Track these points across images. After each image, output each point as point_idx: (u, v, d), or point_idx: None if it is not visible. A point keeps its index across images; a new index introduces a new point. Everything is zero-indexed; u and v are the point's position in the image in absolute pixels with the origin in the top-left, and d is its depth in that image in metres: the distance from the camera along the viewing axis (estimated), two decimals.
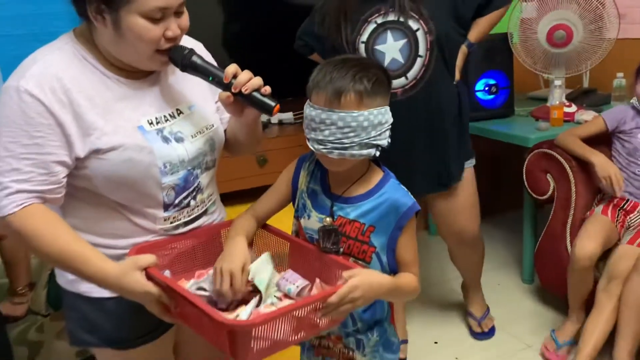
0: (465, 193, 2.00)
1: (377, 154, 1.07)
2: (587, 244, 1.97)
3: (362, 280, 0.98)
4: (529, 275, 2.61)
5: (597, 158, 2.05)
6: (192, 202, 1.16)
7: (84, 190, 1.08)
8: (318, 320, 0.98)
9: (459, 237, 2.11)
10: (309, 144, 1.08)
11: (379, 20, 1.77)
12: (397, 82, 1.77)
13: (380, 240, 1.10)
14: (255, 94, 1.07)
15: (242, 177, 2.38)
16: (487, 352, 2.18)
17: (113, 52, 1.06)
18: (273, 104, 1.07)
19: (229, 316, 1.00)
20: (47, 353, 1.70)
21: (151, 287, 1.00)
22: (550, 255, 2.24)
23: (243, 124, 1.18)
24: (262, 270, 1.07)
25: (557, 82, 2.41)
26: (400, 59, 1.77)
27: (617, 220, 2.06)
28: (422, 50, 1.79)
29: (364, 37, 1.78)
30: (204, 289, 1.06)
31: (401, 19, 1.76)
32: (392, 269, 1.12)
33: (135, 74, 1.10)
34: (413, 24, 1.77)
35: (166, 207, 1.12)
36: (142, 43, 1.02)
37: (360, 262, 1.11)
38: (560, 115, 2.40)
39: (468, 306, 2.33)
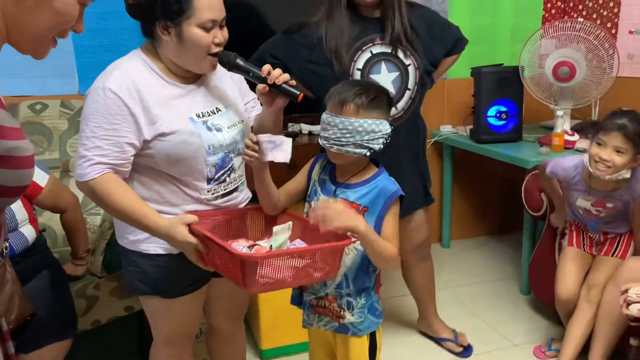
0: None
1: (368, 154, 1.37)
2: (567, 285, 2.17)
3: (345, 205, 1.32)
4: (526, 286, 2.82)
5: (556, 212, 2.36)
6: (227, 179, 1.49)
7: (147, 167, 1.40)
8: (313, 272, 1.28)
9: (422, 248, 2.32)
10: (319, 140, 1.41)
11: (374, 51, 1.90)
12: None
13: (372, 218, 1.40)
14: (284, 85, 1.39)
15: (272, 179, 2.72)
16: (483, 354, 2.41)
17: (175, 59, 1.38)
18: (298, 92, 1.39)
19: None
20: (101, 306, 2.02)
21: (191, 238, 1.30)
22: (542, 267, 2.47)
23: (272, 112, 1.47)
24: (280, 233, 1.39)
25: (560, 113, 2.66)
26: (392, 90, 1.90)
27: (584, 243, 2.26)
28: (411, 83, 1.96)
29: (360, 65, 1.90)
30: None
31: (395, 53, 1.91)
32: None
33: (187, 80, 1.44)
34: (405, 59, 1.93)
35: (209, 180, 1.44)
36: (199, 48, 1.36)
37: (355, 235, 1.41)
38: (560, 142, 2.65)
39: (437, 334, 2.41)
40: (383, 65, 1.93)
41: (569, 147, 2.70)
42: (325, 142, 1.39)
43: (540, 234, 2.58)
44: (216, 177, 1.46)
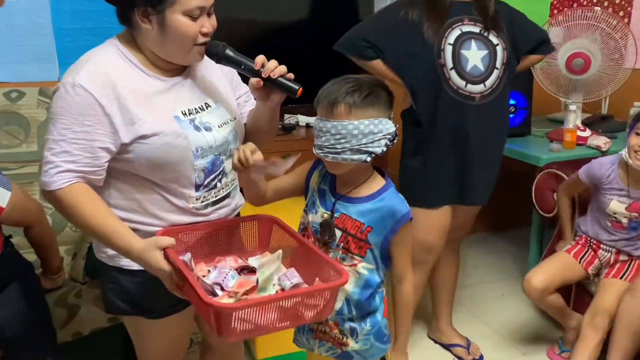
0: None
1: (369, 159, 1.21)
2: (533, 277, 2.07)
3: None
4: None
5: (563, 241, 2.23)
6: (218, 184, 1.34)
7: (125, 172, 1.24)
8: (304, 312, 1.11)
9: (458, 241, 2.26)
10: (314, 149, 1.25)
11: (464, 29, 1.89)
12: (476, 88, 1.89)
13: (376, 239, 1.25)
14: (281, 79, 1.24)
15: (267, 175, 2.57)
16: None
17: (156, 50, 1.22)
18: (297, 86, 1.23)
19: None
20: (83, 316, 1.88)
21: (165, 265, 1.13)
22: None
23: (267, 108, 1.33)
24: (268, 264, 1.23)
25: (572, 107, 2.52)
26: (481, 67, 1.89)
27: (582, 258, 2.13)
28: (499, 63, 1.92)
29: (451, 40, 1.88)
30: (220, 286, 1.19)
31: (484, 33, 1.90)
32: (384, 263, 1.28)
33: (170, 72, 1.27)
34: (493, 39, 1.91)
35: (197, 187, 1.28)
36: (184, 38, 1.20)
37: (356, 256, 1.27)
38: (573, 138, 2.51)
39: (448, 341, 2.34)
40: (473, 43, 1.90)
41: (580, 143, 2.56)
42: (319, 151, 1.23)
43: (551, 236, 2.45)
44: (205, 183, 1.31)
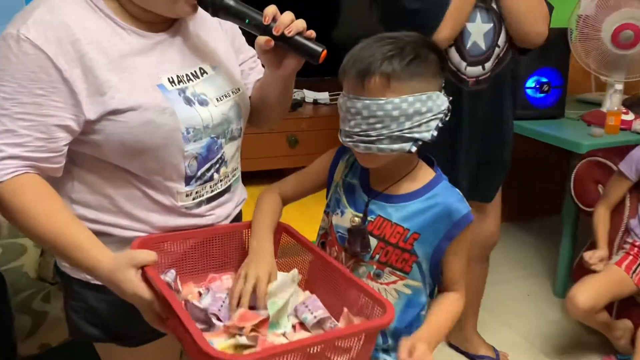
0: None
1: (414, 149, 0.92)
2: (578, 296, 1.80)
3: (427, 347, 0.87)
4: (562, 288, 2.45)
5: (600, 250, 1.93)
6: (216, 176, 1.04)
7: (93, 159, 0.96)
8: (332, 358, 0.82)
9: (488, 246, 2.01)
10: (339, 137, 0.96)
11: None
12: (473, 70, 1.60)
13: (425, 250, 0.96)
14: (299, 37, 0.93)
15: (270, 157, 2.28)
16: None
17: None
18: (320, 48, 0.93)
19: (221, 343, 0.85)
20: (52, 324, 1.61)
21: (143, 290, 0.86)
22: (592, 272, 2.08)
23: (279, 77, 1.04)
24: (281, 290, 0.93)
25: (618, 87, 2.23)
26: (482, 45, 1.59)
27: (634, 272, 1.87)
28: (501, 40, 1.61)
29: None
30: (216, 316, 0.91)
31: (491, 1, 1.57)
32: (434, 280, 1.00)
33: (154, 26, 0.97)
34: (499, 8, 1.59)
35: (188, 179, 0.99)
36: None
37: (397, 271, 0.98)
38: (617, 122, 2.22)
39: (474, 350, 2.09)
40: (478, 14, 1.58)
41: (624, 127, 2.28)
42: (348, 140, 0.93)
43: (584, 228, 2.17)
44: (199, 174, 1.01)
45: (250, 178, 1.24)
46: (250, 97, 1.13)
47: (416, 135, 0.90)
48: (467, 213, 0.95)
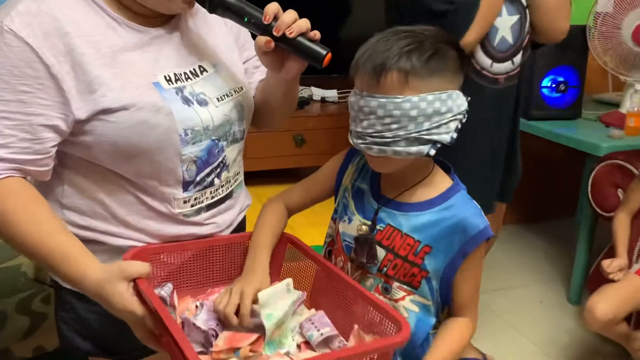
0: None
1: (432, 152, 0.84)
2: (597, 307, 1.70)
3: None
4: (577, 295, 2.37)
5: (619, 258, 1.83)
6: (216, 181, 0.97)
7: (85, 163, 0.89)
8: None
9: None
10: (350, 138, 0.89)
11: None
12: (502, 67, 1.51)
13: (436, 265, 0.89)
14: (301, 39, 0.87)
15: (275, 156, 2.21)
16: None
17: None
18: (324, 52, 0.86)
19: None
20: (50, 327, 1.57)
21: (134, 305, 0.80)
22: (610, 281, 2.00)
23: (281, 80, 0.98)
24: (275, 301, 0.84)
25: (638, 86, 2.14)
26: (510, 39, 1.50)
27: None
28: (525, 31, 1.53)
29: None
30: (214, 332, 0.84)
31: None
32: (444, 300, 0.92)
33: (150, 20, 0.91)
34: (524, 0, 1.51)
35: (186, 185, 0.93)
36: None
37: (405, 286, 0.91)
38: (637, 124, 2.14)
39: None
40: (504, 7, 1.48)
41: None
42: (359, 141, 0.86)
43: (601, 232, 2.09)
44: (198, 179, 0.94)
45: (255, 178, 1.19)
46: (253, 97, 1.07)
47: (435, 137, 0.83)
48: (485, 228, 0.87)
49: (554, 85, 2.35)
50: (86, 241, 0.88)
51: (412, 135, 0.82)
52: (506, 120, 1.60)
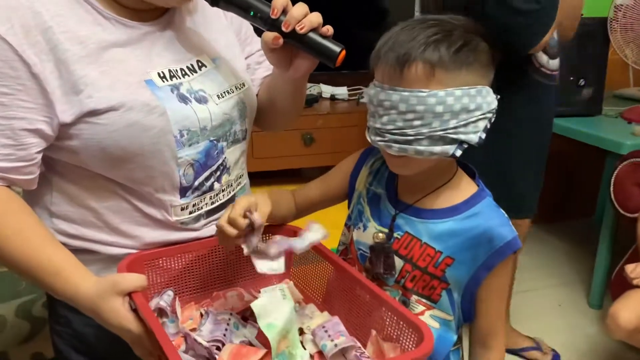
0: None
1: (458, 152, 0.76)
2: (621, 314, 1.60)
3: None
4: (598, 298, 2.28)
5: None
6: (216, 185, 0.90)
7: (74, 168, 0.83)
8: None
9: None
10: (367, 135, 0.81)
11: None
12: (555, 63, 1.50)
13: (458, 277, 0.81)
14: (313, 34, 0.79)
15: (283, 156, 2.14)
16: None
17: None
18: (338, 49, 0.79)
19: None
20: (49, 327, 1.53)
21: (130, 322, 0.74)
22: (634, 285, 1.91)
23: (288, 79, 0.91)
24: (271, 310, 0.76)
25: None
26: (555, 35, 1.47)
27: None
28: None
29: None
30: (221, 343, 0.78)
31: None
32: (466, 315, 0.84)
33: (141, 14, 0.84)
34: None
35: (183, 191, 0.86)
36: None
37: (424, 299, 0.83)
38: None
39: (514, 345, 1.99)
40: None
41: None
42: (378, 139, 0.78)
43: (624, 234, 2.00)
44: (196, 184, 0.87)
45: (262, 179, 1.12)
46: (257, 95, 1.00)
47: (462, 137, 0.75)
48: (513, 239, 0.79)
49: (573, 81, 2.26)
50: (77, 251, 0.83)
51: (437, 133, 0.74)
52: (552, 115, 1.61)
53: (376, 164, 0.91)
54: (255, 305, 0.75)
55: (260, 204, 0.78)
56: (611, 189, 2.01)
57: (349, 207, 0.94)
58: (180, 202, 0.86)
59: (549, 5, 1.31)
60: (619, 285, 2.00)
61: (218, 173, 0.90)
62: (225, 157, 0.90)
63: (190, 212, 0.88)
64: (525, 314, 2.26)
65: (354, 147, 0.96)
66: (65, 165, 0.83)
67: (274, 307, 0.76)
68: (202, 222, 0.91)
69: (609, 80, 2.69)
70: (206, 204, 0.90)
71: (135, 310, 0.75)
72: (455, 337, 0.85)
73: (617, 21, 2.23)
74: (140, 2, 0.82)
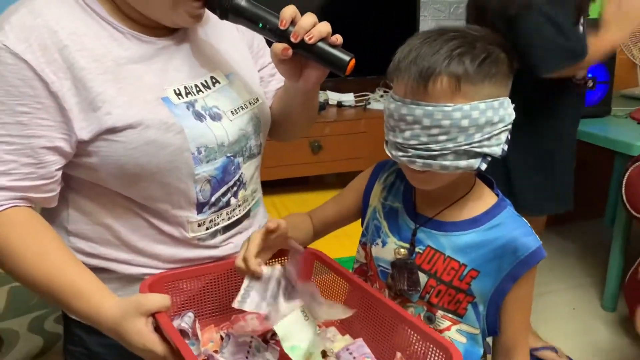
0: None
1: (483, 166, 0.75)
2: None
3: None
4: (612, 301, 2.26)
5: None
6: (233, 201, 0.90)
7: (90, 185, 0.83)
8: None
9: None
10: (386, 149, 0.80)
11: None
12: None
13: (483, 290, 0.80)
14: (322, 44, 0.79)
15: (291, 164, 2.12)
16: None
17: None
18: (347, 58, 0.79)
19: None
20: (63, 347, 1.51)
21: (154, 343, 0.73)
22: None
23: (300, 90, 0.90)
24: (295, 332, 0.75)
25: None
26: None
27: None
28: None
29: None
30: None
31: None
32: (491, 327, 0.82)
33: (156, 31, 0.84)
34: None
35: (200, 207, 0.86)
36: None
37: (450, 314, 0.82)
38: None
39: (533, 344, 1.99)
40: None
41: None
42: (401, 154, 0.76)
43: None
44: (213, 199, 0.87)
45: (270, 187, 1.11)
46: (270, 107, 0.99)
47: (486, 150, 0.74)
48: (537, 249, 0.78)
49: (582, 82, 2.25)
50: (94, 269, 0.82)
51: (462, 147, 0.73)
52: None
53: (390, 178, 0.90)
54: (278, 328, 0.74)
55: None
56: (623, 190, 1.99)
57: (362, 224, 0.93)
58: (197, 218, 0.86)
59: (578, 46, 1.48)
60: (633, 289, 1.98)
61: (235, 188, 0.89)
62: (242, 173, 0.90)
63: (207, 228, 0.88)
64: (538, 317, 2.24)
65: (362, 154, 0.96)
66: (82, 183, 0.83)
67: (298, 329, 0.75)
68: (219, 238, 0.90)
69: (616, 80, 2.68)
70: (223, 219, 0.89)
71: (158, 330, 0.74)
72: (482, 351, 0.83)
73: None
74: (153, 21, 0.81)
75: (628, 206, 1.99)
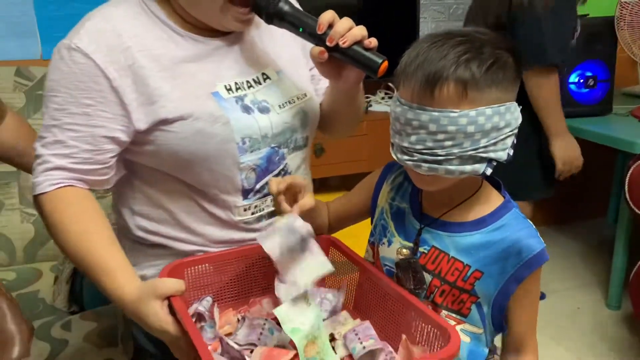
0: None
1: (489, 171, 0.76)
2: None
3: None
4: (617, 300, 2.26)
5: None
6: None
7: (151, 171, 0.92)
8: None
9: None
10: (392, 152, 0.80)
11: None
12: None
13: (488, 290, 0.80)
14: (356, 47, 0.84)
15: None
16: None
17: (185, 5, 0.90)
18: (379, 60, 0.83)
19: None
20: (71, 355, 1.51)
21: (169, 324, 0.78)
22: None
23: (340, 90, 0.97)
24: (295, 315, 0.77)
25: None
26: None
27: None
28: None
29: None
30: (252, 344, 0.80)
31: None
32: (496, 326, 0.83)
33: (212, 32, 0.93)
34: None
35: (245, 193, 0.94)
36: None
37: (454, 314, 0.82)
38: None
39: None
40: None
41: None
42: (406, 158, 0.77)
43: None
44: (258, 187, 0.94)
45: None
46: (320, 104, 1.05)
47: (492, 155, 0.74)
48: (541, 251, 0.78)
49: (582, 81, 2.25)
50: (155, 246, 0.95)
51: (467, 153, 0.73)
52: None
53: (398, 179, 0.91)
54: (278, 312, 0.77)
55: (308, 194, 0.84)
56: (625, 188, 2.00)
57: (371, 224, 0.94)
58: (243, 203, 0.93)
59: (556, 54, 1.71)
60: (638, 286, 1.98)
61: (279, 177, 0.94)
62: (286, 163, 0.97)
63: (253, 213, 0.95)
64: (543, 317, 2.20)
65: (365, 156, 0.98)
66: (145, 170, 0.92)
67: (299, 312, 0.78)
68: (264, 222, 0.97)
69: (617, 78, 2.69)
70: (267, 205, 0.96)
71: (174, 314, 0.78)
72: (486, 351, 0.84)
73: (624, 19, 2.22)
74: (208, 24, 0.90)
75: (631, 204, 1.99)
